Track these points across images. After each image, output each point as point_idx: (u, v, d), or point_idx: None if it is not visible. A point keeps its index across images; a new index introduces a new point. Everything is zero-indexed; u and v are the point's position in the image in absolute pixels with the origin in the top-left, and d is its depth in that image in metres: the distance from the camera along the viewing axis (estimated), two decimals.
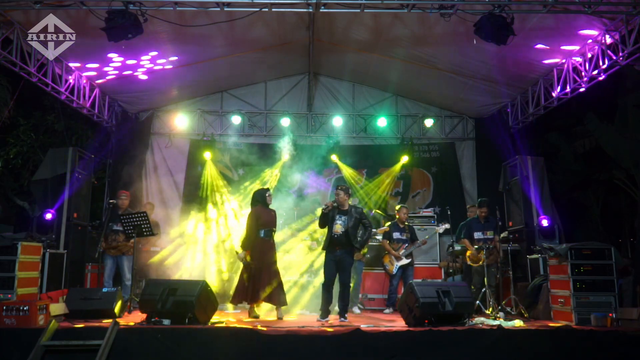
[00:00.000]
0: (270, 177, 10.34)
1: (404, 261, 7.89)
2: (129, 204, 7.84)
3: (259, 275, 6.60)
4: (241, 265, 6.92)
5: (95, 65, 8.41)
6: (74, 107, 9.02)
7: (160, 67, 8.69)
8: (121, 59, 8.13)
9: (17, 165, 12.19)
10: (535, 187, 8.76)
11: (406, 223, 8.25)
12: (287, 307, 7.02)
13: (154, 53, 8.20)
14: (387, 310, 7.80)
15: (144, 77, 8.93)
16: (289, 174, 10.29)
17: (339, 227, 6.52)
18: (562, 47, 7.69)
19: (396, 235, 8.06)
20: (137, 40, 6.43)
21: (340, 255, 6.50)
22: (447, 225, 8.18)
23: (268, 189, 7.16)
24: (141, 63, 8.45)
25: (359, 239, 6.58)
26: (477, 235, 7.58)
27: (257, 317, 6.62)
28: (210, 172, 10.33)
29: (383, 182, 10.61)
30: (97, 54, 7.96)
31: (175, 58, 8.53)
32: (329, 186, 10.58)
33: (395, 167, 10.56)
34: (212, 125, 10.82)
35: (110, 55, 7.98)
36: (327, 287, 6.52)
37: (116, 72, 8.65)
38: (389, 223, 8.47)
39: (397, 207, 8.43)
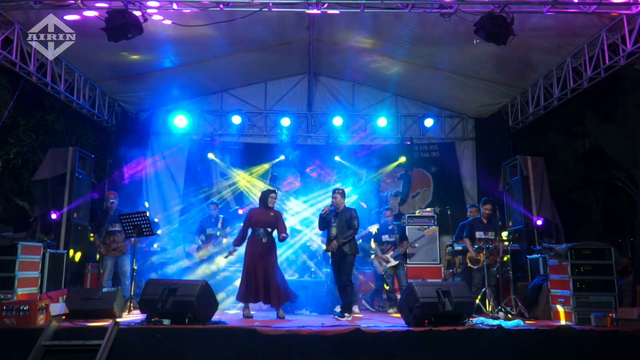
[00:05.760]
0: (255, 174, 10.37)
1: (392, 263, 7.89)
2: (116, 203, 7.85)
3: (259, 275, 6.52)
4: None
5: None
6: (73, 107, 9.02)
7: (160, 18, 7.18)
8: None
9: (17, 165, 12.14)
10: (535, 187, 8.75)
11: (394, 223, 8.27)
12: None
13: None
14: (390, 310, 7.80)
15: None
16: (288, 174, 10.28)
17: (333, 229, 6.81)
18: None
19: (385, 237, 8.07)
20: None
21: (337, 257, 6.80)
22: (434, 227, 8.55)
23: (273, 190, 7.08)
24: None
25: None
26: (479, 234, 7.55)
27: (283, 317, 6.46)
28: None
29: (383, 181, 10.63)
30: None
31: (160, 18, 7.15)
32: (329, 186, 10.56)
33: (391, 166, 10.57)
34: (212, 125, 10.82)
35: None
36: (336, 286, 7.00)
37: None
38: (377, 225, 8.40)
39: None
